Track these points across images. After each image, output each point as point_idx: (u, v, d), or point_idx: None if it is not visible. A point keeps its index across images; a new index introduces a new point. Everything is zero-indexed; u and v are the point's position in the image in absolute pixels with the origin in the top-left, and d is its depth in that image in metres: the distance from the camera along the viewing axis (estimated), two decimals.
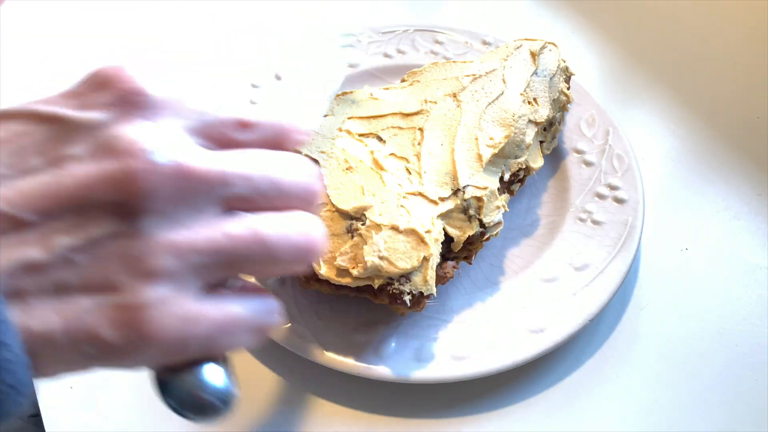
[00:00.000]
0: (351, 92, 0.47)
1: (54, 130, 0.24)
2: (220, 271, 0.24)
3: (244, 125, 0.27)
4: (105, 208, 0.23)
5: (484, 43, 0.57)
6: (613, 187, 0.48)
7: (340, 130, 0.44)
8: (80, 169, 0.23)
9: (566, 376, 0.43)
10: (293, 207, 0.26)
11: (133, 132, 0.23)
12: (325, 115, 0.45)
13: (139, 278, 0.22)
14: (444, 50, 0.57)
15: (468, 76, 0.47)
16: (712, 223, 0.51)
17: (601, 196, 0.48)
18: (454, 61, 0.49)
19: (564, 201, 0.49)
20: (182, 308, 0.23)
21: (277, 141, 0.28)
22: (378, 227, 0.39)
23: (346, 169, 0.41)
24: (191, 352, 0.24)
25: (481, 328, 0.42)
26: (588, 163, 0.50)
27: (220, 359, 0.25)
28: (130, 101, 0.24)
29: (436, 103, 0.45)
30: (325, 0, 0.65)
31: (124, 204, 0.23)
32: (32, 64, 0.59)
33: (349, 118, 0.45)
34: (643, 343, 0.44)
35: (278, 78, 0.55)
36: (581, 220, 0.47)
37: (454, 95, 0.46)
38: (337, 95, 0.47)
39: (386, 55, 0.57)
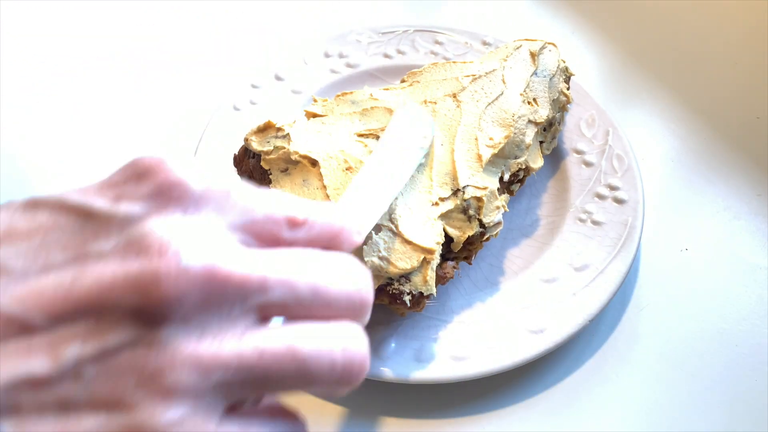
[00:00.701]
0: (351, 92, 0.47)
1: (82, 223, 0.22)
2: (248, 390, 0.22)
3: (294, 224, 0.24)
4: (124, 314, 0.20)
5: (484, 43, 0.57)
6: (613, 188, 0.49)
7: (340, 130, 0.44)
8: (102, 269, 0.21)
9: (566, 376, 0.43)
10: (339, 317, 0.23)
11: (165, 228, 0.21)
12: (315, 115, 0.45)
13: (155, 395, 0.20)
14: (444, 51, 0.57)
15: (468, 76, 0.47)
16: (712, 223, 0.51)
17: (601, 197, 0.48)
18: (453, 62, 0.49)
19: (564, 201, 0.49)
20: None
21: (330, 242, 0.25)
22: (378, 227, 0.39)
23: (346, 169, 0.42)
24: None
25: (481, 328, 0.42)
26: (588, 164, 0.50)
27: None
28: (167, 194, 0.22)
29: (435, 103, 0.45)
30: (325, 0, 0.65)
31: (145, 310, 0.20)
32: (32, 64, 0.59)
33: (348, 119, 0.45)
34: (643, 343, 0.44)
35: (278, 78, 0.55)
36: (581, 220, 0.47)
37: (454, 95, 0.46)
38: (337, 96, 0.47)
39: (386, 56, 0.57)
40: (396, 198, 0.40)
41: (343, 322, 0.23)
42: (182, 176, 0.22)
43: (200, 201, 0.23)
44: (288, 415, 0.24)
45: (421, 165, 0.42)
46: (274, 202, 0.24)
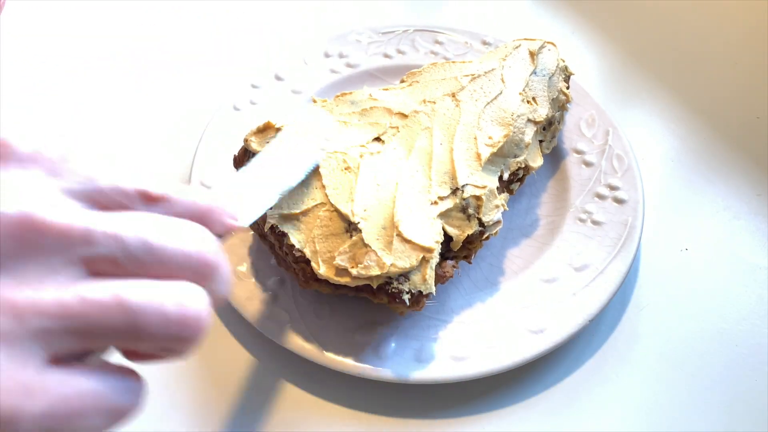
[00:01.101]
0: (350, 93, 0.47)
1: None
2: (72, 341, 0.21)
3: (148, 198, 0.24)
4: None
5: (484, 43, 0.57)
6: (613, 188, 0.48)
7: (340, 130, 0.44)
8: None
9: (566, 376, 0.43)
10: (178, 277, 0.23)
11: None
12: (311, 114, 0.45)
13: None
14: (444, 50, 0.57)
15: (467, 75, 0.47)
16: (712, 223, 0.51)
17: (601, 197, 0.48)
18: (453, 62, 0.49)
19: (564, 201, 0.49)
20: (15, 378, 0.20)
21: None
22: (377, 226, 0.39)
23: (345, 169, 0.41)
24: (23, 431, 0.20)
25: (481, 328, 0.42)
26: (588, 164, 0.50)
27: None
28: None
29: (435, 103, 0.45)
30: (325, 0, 0.65)
31: None
32: (32, 64, 0.59)
33: (348, 119, 0.45)
34: (643, 343, 0.44)
35: (278, 78, 0.55)
36: (581, 220, 0.47)
37: (453, 95, 0.46)
38: (336, 96, 0.47)
39: (386, 56, 0.57)
40: (395, 198, 0.40)
41: (181, 281, 0.23)
42: (7, 136, 0.22)
43: (27, 161, 0.22)
44: (124, 371, 0.23)
45: (419, 166, 0.42)
46: (128, 175, 0.24)
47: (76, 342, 0.21)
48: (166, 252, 0.23)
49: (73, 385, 0.21)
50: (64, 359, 0.22)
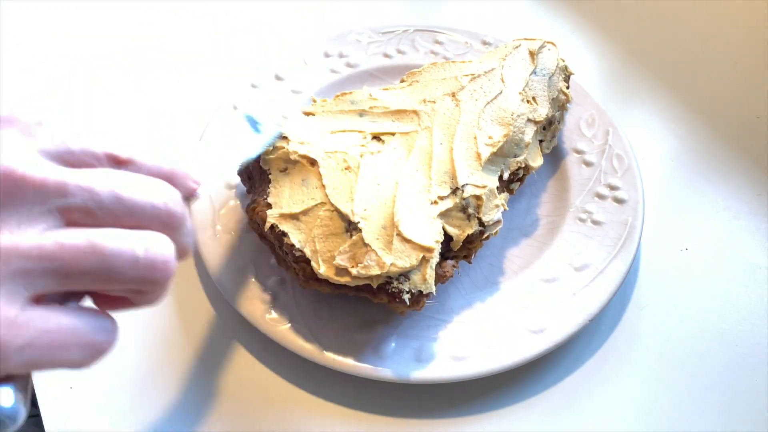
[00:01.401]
0: (350, 92, 0.47)
1: None
2: (50, 281, 0.23)
3: (116, 160, 0.26)
4: None
5: (484, 43, 0.57)
6: (613, 187, 0.48)
7: (339, 130, 0.44)
8: None
9: (566, 376, 0.43)
10: (146, 228, 0.25)
11: None
12: (311, 114, 0.45)
13: None
14: (444, 50, 0.57)
15: (467, 75, 0.47)
16: (712, 223, 0.51)
17: (601, 196, 0.48)
18: (453, 61, 0.49)
19: (564, 201, 0.49)
20: (0, 313, 0.22)
21: None
22: (376, 225, 0.39)
23: (345, 168, 0.41)
24: (11, 363, 0.22)
25: (481, 328, 0.42)
26: (588, 163, 0.50)
27: (18, 378, 0.24)
28: None
29: (435, 102, 0.45)
30: (325, 0, 0.65)
31: None
32: (32, 64, 0.59)
33: (348, 119, 0.45)
34: (643, 343, 0.44)
35: (278, 78, 0.54)
36: (581, 220, 0.47)
37: (453, 95, 0.46)
38: (336, 96, 0.47)
39: (386, 55, 0.57)
40: (396, 197, 0.40)
41: (150, 231, 0.25)
42: None
43: (3, 122, 0.25)
44: (98, 313, 0.25)
45: (419, 166, 0.42)
46: (98, 139, 0.26)
47: (55, 282, 0.23)
48: (135, 203, 0.25)
49: (54, 321, 0.23)
50: (45, 300, 0.24)
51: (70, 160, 0.25)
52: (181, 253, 0.27)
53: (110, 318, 0.26)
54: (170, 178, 0.28)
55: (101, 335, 0.25)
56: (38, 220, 0.23)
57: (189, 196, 0.29)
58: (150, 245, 0.25)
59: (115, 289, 0.25)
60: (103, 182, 0.24)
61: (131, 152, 0.27)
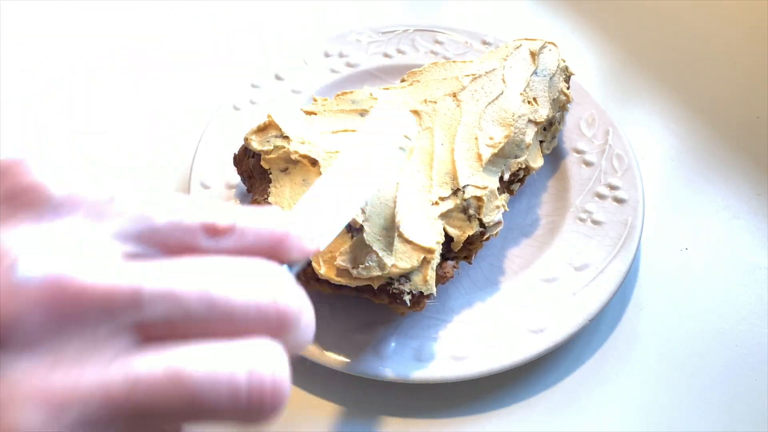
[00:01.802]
0: (351, 92, 0.47)
1: None
2: (125, 426, 0.18)
3: (214, 231, 0.20)
4: None
5: (484, 43, 0.57)
6: (613, 187, 0.48)
7: (340, 130, 0.44)
8: None
9: (566, 376, 0.43)
10: (249, 334, 0.19)
11: (9, 238, 0.18)
12: (311, 113, 0.45)
13: None
14: (444, 50, 0.57)
15: (468, 75, 0.47)
16: (712, 223, 0.51)
17: (601, 196, 0.48)
18: (453, 61, 0.49)
19: (564, 201, 0.49)
20: None
21: (272, 251, 0.21)
22: (378, 226, 0.39)
23: None
24: None
25: (481, 327, 0.42)
26: (588, 163, 0.50)
27: None
28: (19, 199, 0.19)
29: (435, 102, 0.45)
30: (325, 0, 0.65)
31: None
32: (32, 64, 0.59)
33: (349, 118, 0.45)
34: (643, 343, 0.44)
35: (278, 78, 0.55)
36: (581, 220, 0.47)
37: (454, 95, 0.46)
38: (337, 95, 0.47)
39: (386, 55, 0.57)
40: (396, 198, 0.40)
41: (253, 338, 0.19)
42: (39, 179, 0.19)
43: (62, 207, 0.19)
44: None
45: (420, 167, 0.42)
46: (189, 207, 0.20)
47: (127, 427, 0.18)
48: (232, 306, 0.19)
49: None
50: None
51: (156, 240, 0.20)
52: (295, 355, 0.21)
53: None
54: (283, 243, 0.22)
55: None
56: (105, 344, 0.18)
57: (305, 259, 0.23)
58: (254, 365, 0.19)
59: (210, 424, 0.19)
60: (189, 281, 0.19)
61: (232, 217, 0.21)
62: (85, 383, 0.17)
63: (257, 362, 0.19)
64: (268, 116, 0.44)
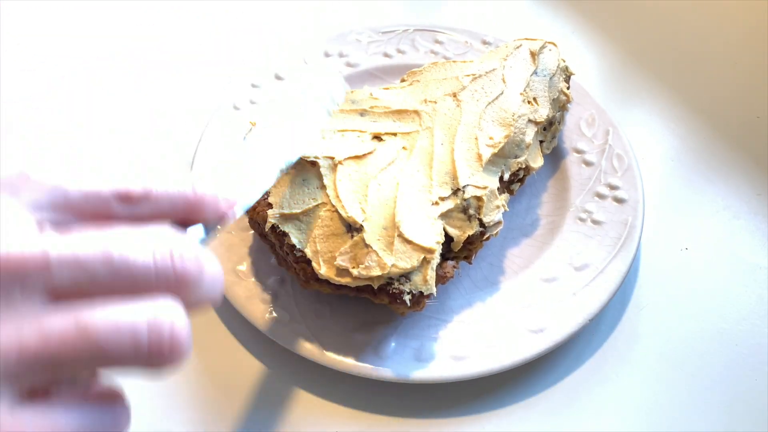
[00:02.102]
0: (351, 92, 0.47)
1: None
2: (40, 376, 0.20)
3: (127, 198, 0.22)
4: None
5: (484, 43, 0.57)
6: (613, 187, 0.48)
7: (340, 130, 0.44)
8: None
9: (566, 376, 0.43)
10: (152, 292, 0.21)
11: None
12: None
13: None
14: (444, 50, 0.57)
15: (468, 75, 0.47)
16: (712, 223, 0.51)
17: (601, 196, 0.48)
18: (453, 61, 0.49)
19: (564, 201, 0.49)
20: None
21: (188, 214, 0.23)
22: (378, 226, 0.39)
23: None
24: None
25: (481, 327, 0.42)
26: (588, 163, 0.50)
27: None
28: None
29: (435, 102, 0.45)
30: (325, 0, 0.65)
31: None
32: (32, 64, 0.59)
33: (349, 118, 0.45)
34: (643, 343, 0.44)
35: (278, 78, 0.55)
36: (581, 219, 0.47)
37: (454, 95, 0.46)
38: None
39: (386, 55, 0.57)
40: (397, 198, 0.40)
41: (156, 297, 0.21)
42: None
43: None
44: (105, 398, 0.22)
45: (420, 166, 0.42)
46: (102, 177, 0.22)
47: (44, 376, 0.20)
48: (132, 267, 0.21)
49: (50, 422, 0.20)
50: (39, 391, 0.20)
51: (72, 208, 0.22)
52: (204, 308, 0.23)
53: (118, 399, 0.22)
54: (199, 206, 0.24)
55: (106, 428, 0.21)
56: (19, 304, 0.20)
57: (221, 221, 0.25)
58: (156, 317, 0.21)
59: (116, 371, 0.21)
60: (91, 246, 0.20)
61: (145, 184, 0.23)
62: (2, 340, 0.19)
63: (156, 314, 0.21)
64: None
